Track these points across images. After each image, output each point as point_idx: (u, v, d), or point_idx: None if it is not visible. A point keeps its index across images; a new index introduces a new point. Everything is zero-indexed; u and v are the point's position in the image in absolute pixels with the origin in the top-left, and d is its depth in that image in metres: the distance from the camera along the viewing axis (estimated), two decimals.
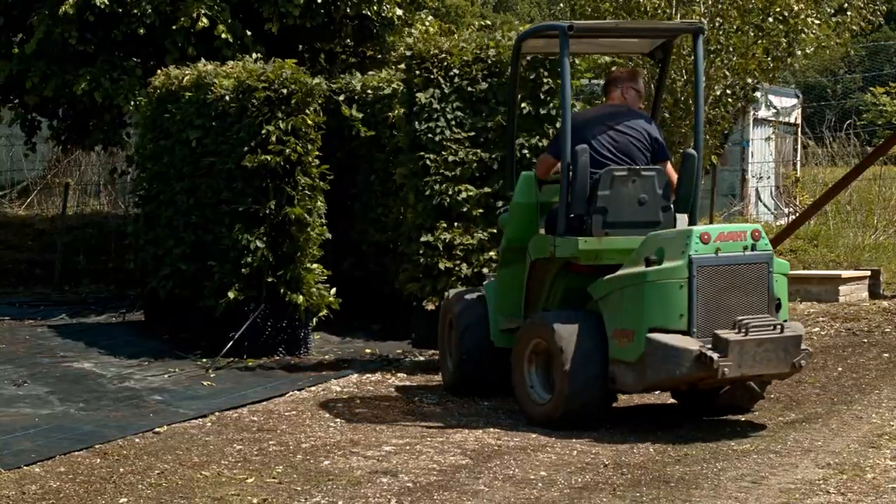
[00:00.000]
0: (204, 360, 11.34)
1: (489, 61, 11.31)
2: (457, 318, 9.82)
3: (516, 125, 10.44)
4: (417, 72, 11.39)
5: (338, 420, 9.03)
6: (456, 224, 11.18)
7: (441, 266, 11.04)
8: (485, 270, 10.83)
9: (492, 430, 8.65)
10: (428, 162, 11.22)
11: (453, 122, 11.25)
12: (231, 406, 9.54)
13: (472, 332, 9.68)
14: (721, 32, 14.66)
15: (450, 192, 11.11)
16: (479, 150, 11.26)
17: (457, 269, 11.07)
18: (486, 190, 11.19)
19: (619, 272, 8.52)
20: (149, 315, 13.27)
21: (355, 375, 10.72)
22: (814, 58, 18.00)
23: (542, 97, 11.49)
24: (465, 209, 11.16)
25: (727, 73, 14.79)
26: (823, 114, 29.59)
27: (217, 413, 9.31)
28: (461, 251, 11.09)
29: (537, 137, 11.38)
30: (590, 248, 8.72)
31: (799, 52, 15.39)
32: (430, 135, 11.25)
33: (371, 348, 12.05)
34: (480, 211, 11.15)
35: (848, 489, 6.83)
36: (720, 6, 14.70)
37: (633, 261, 8.50)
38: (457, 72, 11.32)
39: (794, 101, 25.61)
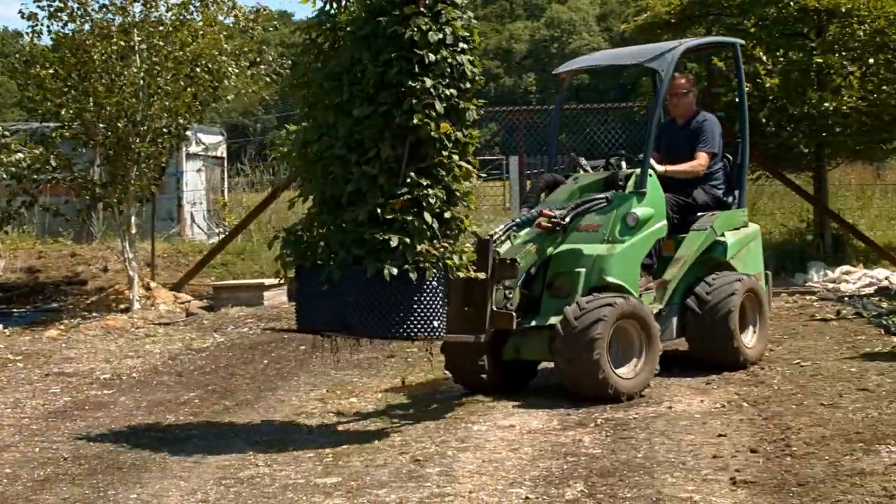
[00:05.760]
0: None
1: None
2: None
3: None
4: None
5: None
6: None
7: None
8: None
9: None
10: None
11: None
12: None
13: None
14: (159, 79, 14.62)
15: None
16: None
17: None
18: None
19: None
20: None
21: None
22: (236, 101, 18.22)
23: None
24: None
25: (164, 114, 14.76)
26: (245, 148, 30.09)
27: None
28: None
29: None
30: None
31: (223, 98, 15.62)
32: None
33: None
34: None
35: (274, 461, 6.95)
36: (155, 59, 14.67)
37: None
38: None
39: (220, 138, 25.91)
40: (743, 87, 10.41)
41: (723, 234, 9.63)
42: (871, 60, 16.19)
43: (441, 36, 7.31)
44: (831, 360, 9.38)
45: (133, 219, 15.11)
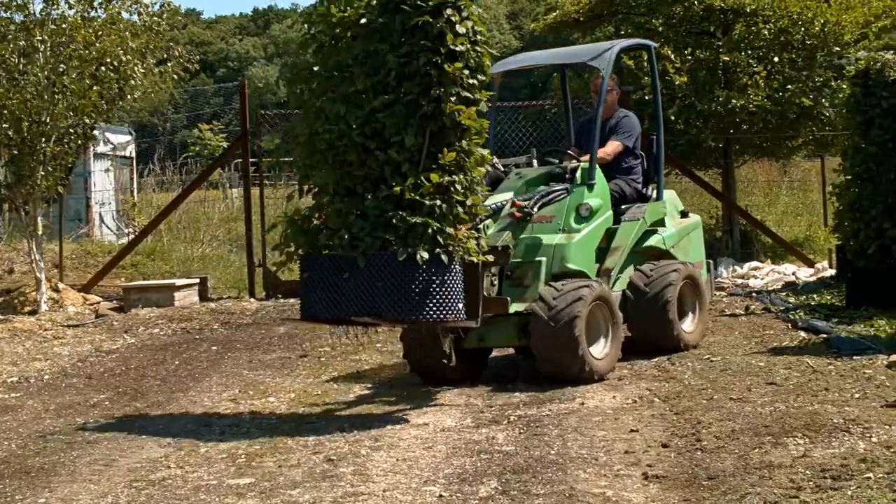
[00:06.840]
0: None
1: None
2: None
3: None
4: None
5: None
6: None
7: None
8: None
9: None
10: None
11: None
12: None
13: None
14: (63, 78, 14.40)
15: None
16: None
17: None
18: None
19: None
20: None
21: None
22: (144, 100, 18.03)
23: None
24: None
25: (70, 113, 14.54)
26: (155, 148, 29.79)
27: None
28: None
29: None
30: None
31: (129, 97, 15.43)
32: None
33: None
34: None
35: (186, 463, 6.89)
36: (60, 57, 14.45)
37: None
38: None
39: (129, 137, 25.62)
40: (657, 84, 10.75)
41: (662, 224, 10.01)
42: (776, 59, 16.48)
43: (465, 29, 7.60)
44: (740, 355, 9.52)
45: (40, 219, 14.87)
